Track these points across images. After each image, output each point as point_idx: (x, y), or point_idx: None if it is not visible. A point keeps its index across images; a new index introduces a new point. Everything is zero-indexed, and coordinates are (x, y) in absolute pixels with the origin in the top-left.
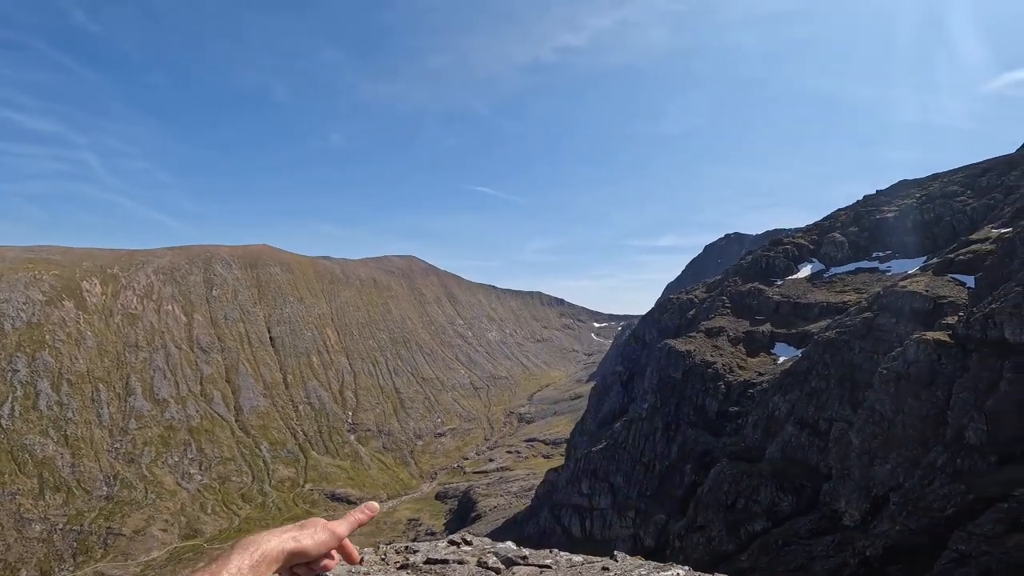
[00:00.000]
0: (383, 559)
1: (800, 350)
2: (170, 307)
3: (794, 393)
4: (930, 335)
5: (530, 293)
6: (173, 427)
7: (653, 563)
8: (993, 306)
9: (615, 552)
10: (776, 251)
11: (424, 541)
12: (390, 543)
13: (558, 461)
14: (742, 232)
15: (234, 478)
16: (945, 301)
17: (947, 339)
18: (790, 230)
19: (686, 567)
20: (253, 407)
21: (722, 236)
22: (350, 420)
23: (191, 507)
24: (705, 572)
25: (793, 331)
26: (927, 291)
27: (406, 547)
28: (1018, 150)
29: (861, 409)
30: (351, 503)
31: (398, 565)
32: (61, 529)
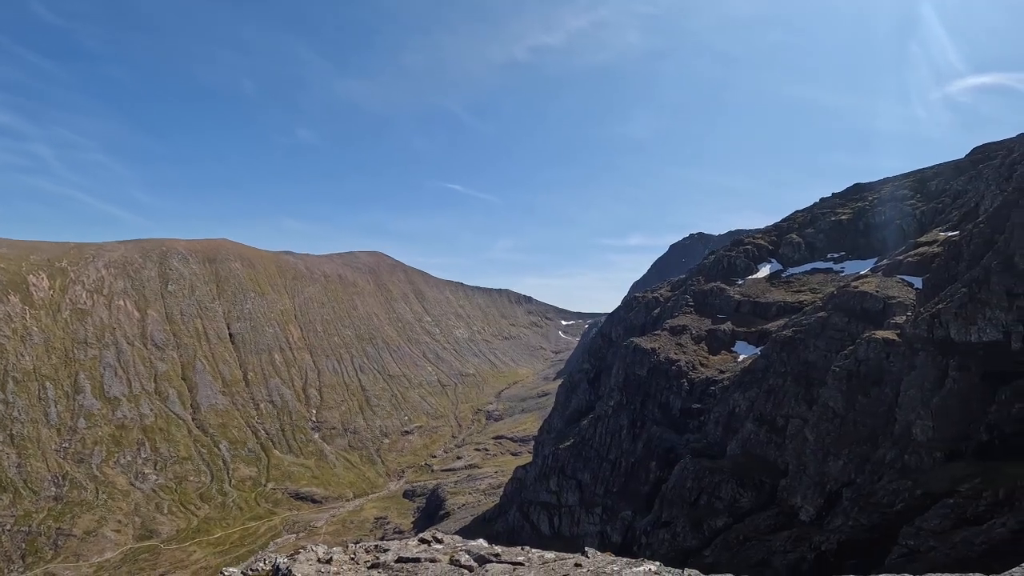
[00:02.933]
0: (352, 558)
1: (759, 348)
2: (122, 302)
3: (753, 391)
4: (880, 334)
5: (498, 291)
6: (125, 426)
7: (624, 559)
8: (939, 306)
9: (586, 549)
10: (737, 251)
11: (393, 540)
12: (358, 542)
13: (526, 458)
14: (706, 232)
15: (192, 478)
16: (894, 301)
17: (896, 338)
18: (751, 231)
19: (657, 563)
20: (211, 405)
21: (687, 236)
22: (314, 418)
23: (146, 507)
24: (682, 569)
25: (753, 330)
26: (878, 291)
27: (376, 546)
28: (966, 156)
29: (815, 406)
30: (316, 502)
31: (368, 564)
32: (9, 530)
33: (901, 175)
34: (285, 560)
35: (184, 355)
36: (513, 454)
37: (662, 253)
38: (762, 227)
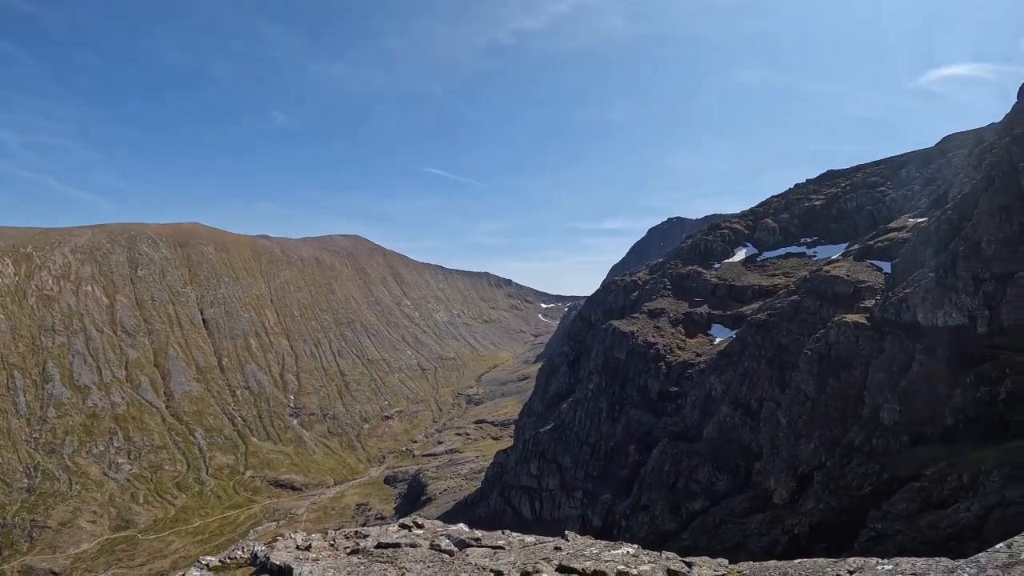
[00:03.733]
0: (332, 545)
1: (735, 331)
2: (90, 288)
3: (729, 374)
4: (850, 318)
5: (478, 274)
6: (97, 415)
7: (603, 542)
8: (907, 291)
9: (566, 532)
10: (714, 235)
11: (374, 526)
12: (339, 528)
13: (507, 443)
14: (684, 216)
15: (167, 467)
16: (864, 285)
17: (865, 322)
18: (728, 216)
19: (635, 545)
20: (185, 392)
21: (665, 220)
22: (292, 404)
23: (121, 498)
24: (660, 551)
25: (729, 313)
26: (848, 276)
27: (356, 532)
28: (937, 144)
29: (788, 389)
30: (296, 490)
31: (348, 550)
32: None
33: (873, 162)
34: (263, 548)
35: (156, 341)
36: (494, 438)
37: (641, 237)
38: (738, 212)
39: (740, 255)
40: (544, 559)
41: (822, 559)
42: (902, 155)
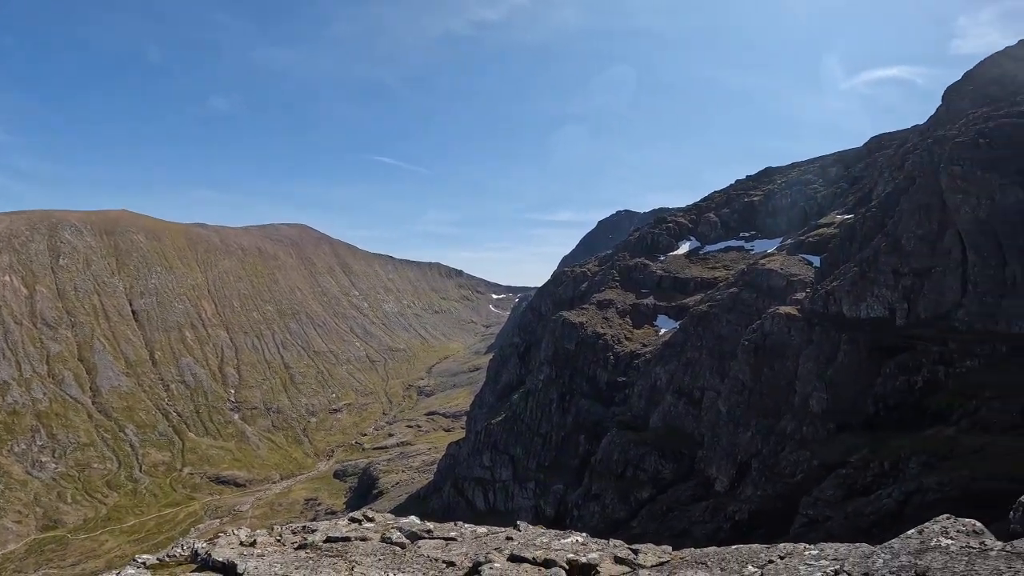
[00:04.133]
0: (279, 540)
1: (678, 322)
2: (7, 278)
3: (673, 364)
4: (783, 310)
5: (429, 264)
6: (17, 412)
7: (554, 531)
8: (834, 284)
9: (518, 522)
10: (661, 228)
11: (324, 521)
12: (287, 524)
13: (459, 434)
14: (632, 209)
15: (96, 464)
16: (796, 279)
17: (796, 313)
18: (674, 209)
19: (584, 534)
20: (113, 387)
21: (615, 212)
22: (233, 398)
23: (47, 497)
24: (608, 540)
25: (673, 304)
26: (782, 269)
27: (303, 527)
28: (865, 144)
29: (727, 379)
30: (239, 486)
31: (296, 545)
32: None
33: (807, 160)
34: (204, 545)
35: (80, 334)
36: (446, 430)
37: (591, 229)
38: (684, 206)
39: (684, 248)
40: (496, 549)
41: (756, 545)
42: (833, 154)
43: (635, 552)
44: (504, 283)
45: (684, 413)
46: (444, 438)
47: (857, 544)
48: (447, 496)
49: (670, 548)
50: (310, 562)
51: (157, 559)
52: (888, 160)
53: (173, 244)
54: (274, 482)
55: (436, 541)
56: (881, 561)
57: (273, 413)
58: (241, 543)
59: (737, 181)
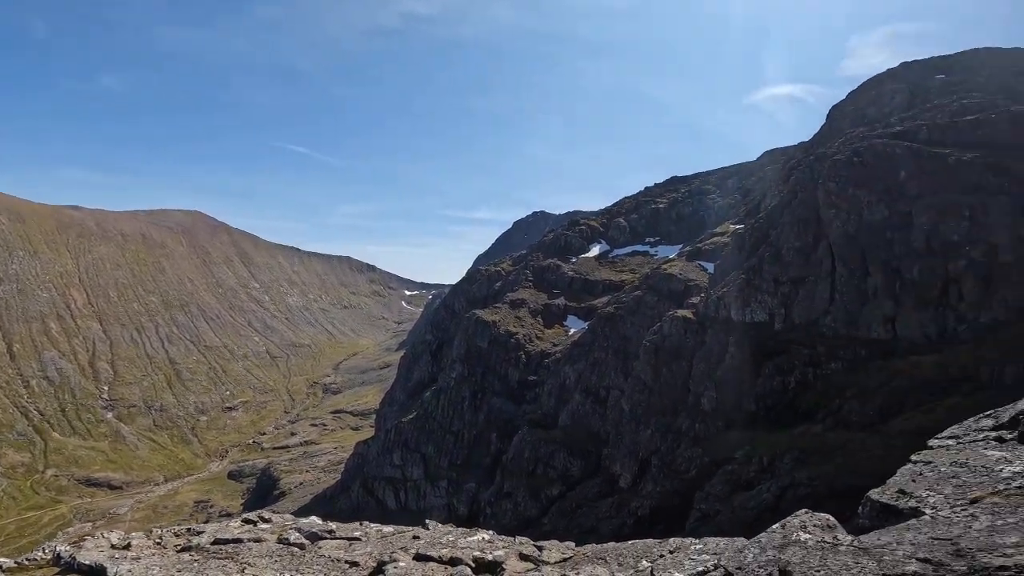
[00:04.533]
0: (159, 543)
1: (587, 323)
2: None
3: (581, 363)
4: (680, 313)
5: (339, 257)
6: None
7: (461, 529)
8: (724, 290)
9: (426, 521)
10: (574, 231)
11: (214, 523)
12: (170, 527)
13: (368, 433)
14: (548, 211)
15: None
16: (693, 283)
17: (692, 317)
18: (587, 213)
19: (491, 532)
20: None
21: (531, 213)
22: (106, 395)
23: None
24: (509, 536)
25: (583, 305)
26: (681, 274)
27: (188, 529)
28: (757, 158)
29: (630, 378)
30: (114, 488)
31: (179, 548)
32: None
33: (708, 171)
34: (68, 548)
35: None
36: (354, 428)
37: (507, 228)
38: (597, 210)
39: (595, 251)
40: (402, 548)
41: (651, 540)
42: (732, 166)
43: (540, 549)
44: (418, 279)
45: (591, 412)
46: (352, 437)
47: (734, 539)
48: (356, 496)
49: (573, 544)
50: (195, 565)
51: (15, 562)
52: (776, 174)
53: (40, 227)
54: (157, 484)
55: (339, 541)
56: (751, 555)
57: (156, 411)
58: (112, 545)
59: (646, 188)
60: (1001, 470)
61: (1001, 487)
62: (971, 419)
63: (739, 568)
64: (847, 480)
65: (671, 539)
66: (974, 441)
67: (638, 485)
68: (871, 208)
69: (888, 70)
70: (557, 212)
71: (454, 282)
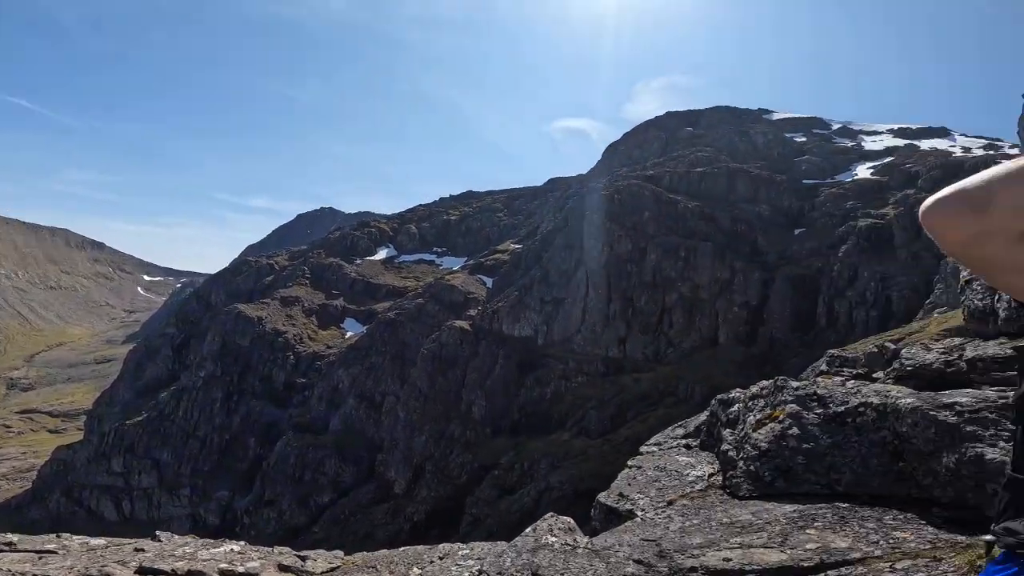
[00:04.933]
0: None
1: (366, 327)
2: None
3: (356, 367)
4: (458, 323)
5: (50, 229)
6: None
7: (203, 540)
8: (499, 304)
9: (157, 533)
10: (363, 232)
11: None
12: None
13: (74, 436)
14: (338, 208)
15: None
16: (472, 296)
17: (468, 328)
18: (379, 215)
19: (242, 542)
20: None
21: (319, 208)
22: None
23: None
24: (272, 547)
25: (363, 308)
26: (462, 286)
27: None
28: (544, 184)
29: (407, 384)
30: None
31: None
32: None
33: (500, 190)
34: None
35: None
36: (53, 431)
37: (288, 220)
38: (390, 213)
39: (382, 254)
40: (119, 562)
41: (421, 547)
42: (521, 188)
43: (303, 559)
44: (163, 264)
45: (365, 417)
46: (51, 441)
47: (496, 543)
48: (56, 506)
49: (341, 553)
50: None
51: None
52: (556, 200)
53: None
54: None
55: (25, 555)
56: (508, 560)
57: None
58: None
59: (441, 199)
60: (688, 474)
61: (688, 489)
62: (669, 428)
63: (499, 572)
64: (589, 483)
65: (441, 545)
66: (671, 448)
67: (413, 491)
68: (620, 241)
69: (656, 117)
70: (348, 211)
71: (213, 271)
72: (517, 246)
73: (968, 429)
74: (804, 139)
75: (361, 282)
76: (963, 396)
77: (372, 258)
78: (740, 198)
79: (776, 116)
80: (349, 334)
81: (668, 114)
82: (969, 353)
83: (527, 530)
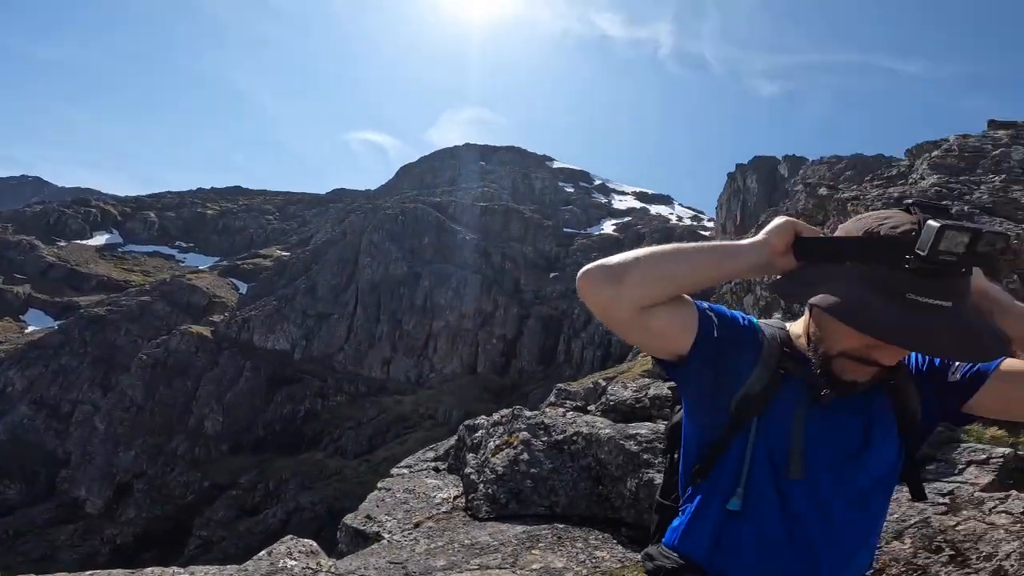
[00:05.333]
0: None
1: (59, 322)
2: None
3: (38, 369)
4: (196, 328)
5: None
6: None
7: None
8: (253, 312)
9: None
10: (77, 210)
11: None
12: None
13: None
14: (49, 180)
15: None
16: (219, 300)
17: (209, 335)
18: (107, 195)
19: None
20: None
21: (22, 175)
22: None
23: None
24: None
25: (58, 300)
26: (208, 288)
27: None
28: (328, 193)
29: (112, 393)
30: None
31: None
32: None
33: (273, 192)
34: None
35: None
36: None
37: None
38: (123, 195)
39: (100, 240)
40: None
41: (120, 571)
42: (302, 193)
43: None
44: None
45: (44, 427)
46: None
47: (224, 567)
48: None
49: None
50: None
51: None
52: (337, 212)
53: None
54: None
55: None
56: None
57: None
58: None
59: (200, 189)
60: (435, 496)
61: (434, 512)
62: (421, 451)
63: None
64: (344, 503)
65: (150, 568)
66: (421, 470)
67: (115, 511)
68: (396, 263)
69: (455, 146)
70: (62, 184)
71: None
72: (284, 253)
73: (645, 457)
74: (572, 190)
75: (62, 268)
76: (643, 428)
77: (85, 242)
78: (512, 237)
79: (556, 164)
80: (32, 328)
81: (467, 145)
82: (652, 392)
83: (262, 553)
